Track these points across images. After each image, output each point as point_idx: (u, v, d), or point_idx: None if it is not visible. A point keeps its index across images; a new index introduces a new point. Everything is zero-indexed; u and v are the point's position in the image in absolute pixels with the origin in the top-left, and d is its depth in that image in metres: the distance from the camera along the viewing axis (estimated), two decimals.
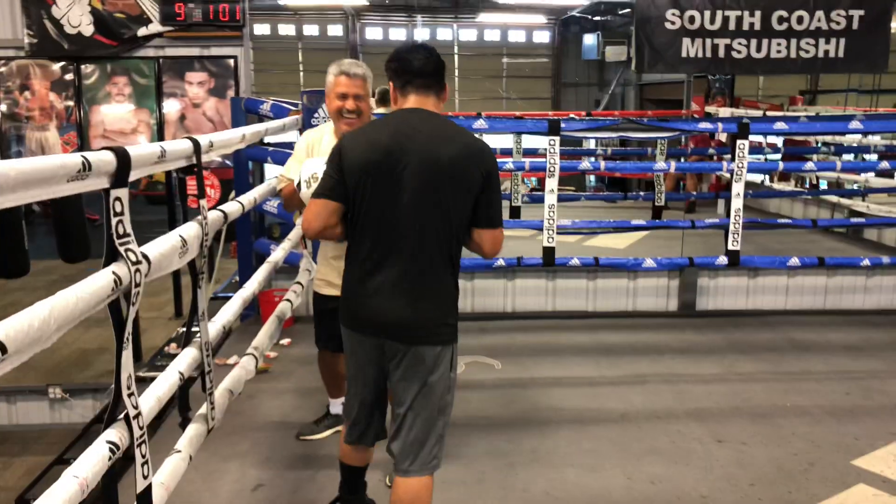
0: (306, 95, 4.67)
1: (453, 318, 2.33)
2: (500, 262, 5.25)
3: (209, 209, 2.58)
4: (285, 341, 4.89)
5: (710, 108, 10.08)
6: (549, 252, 5.15)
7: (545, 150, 5.09)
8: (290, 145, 5.61)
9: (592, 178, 14.77)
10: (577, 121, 5.99)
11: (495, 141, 9.65)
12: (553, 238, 5.13)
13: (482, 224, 2.29)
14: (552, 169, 5.05)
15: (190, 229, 2.23)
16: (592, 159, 6.78)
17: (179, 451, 2.11)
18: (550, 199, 5.11)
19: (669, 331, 5.28)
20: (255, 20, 16.93)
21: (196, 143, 2.37)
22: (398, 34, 18.38)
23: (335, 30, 18.24)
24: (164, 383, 2.08)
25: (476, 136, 2.39)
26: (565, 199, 7.94)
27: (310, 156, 3.12)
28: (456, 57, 18.83)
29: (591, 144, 11.92)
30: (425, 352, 2.27)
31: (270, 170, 5.24)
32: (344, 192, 2.26)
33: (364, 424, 2.50)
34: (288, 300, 3.71)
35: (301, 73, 18.28)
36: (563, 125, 5.10)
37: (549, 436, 3.62)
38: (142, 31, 6.10)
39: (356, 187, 2.24)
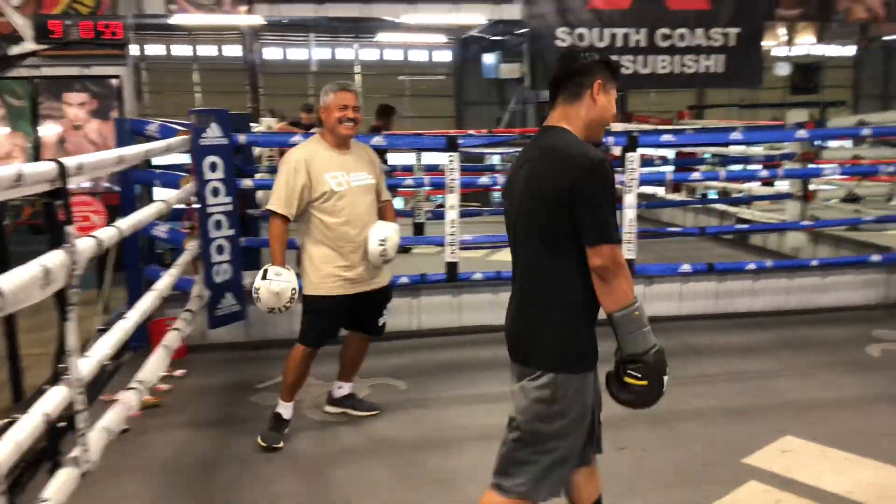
0: (195, 115, 4.50)
1: (553, 343, 2.16)
2: (404, 279, 5.21)
3: (91, 236, 2.43)
4: (179, 372, 4.66)
5: None
6: (452, 267, 5.14)
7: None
8: (181, 167, 5.42)
9: (498, 193, 14.96)
10: (475, 137, 6.04)
11: (396, 159, 9.68)
12: (456, 253, 5.13)
13: (584, 242, 2.08)
14: (452, 185, 5.06)
15: (54, 258, 2.07)
16: (493, 174, 6.84)
17: (46, 501, 1.94)
18: (451, 214, 5.11)
19: None
20: (146, 40, 16.37)
21: (61, 166, 2.21)
22: (298, 54, 18.18)
23: (232, 50, 17.85)
24: (27, 427, 1.91)
25: (579, 150, 2.11)
26: (468, 214, 8.00)
27: (307, 172, 3.52)
28: (357, 76, 18.79)
29: (495, 161, 12.09)
30: (520, 370, 2.24)
31: (159, 193, 5.02)
32: None
33: None
34: (177, 329, 3.53)
35: (198, 95, 17.78)
36: (460, 141, 5.13)
37: (454, 455, 3.58)
38: (14, 50, 5.75)
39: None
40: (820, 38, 12.26)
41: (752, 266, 5.81)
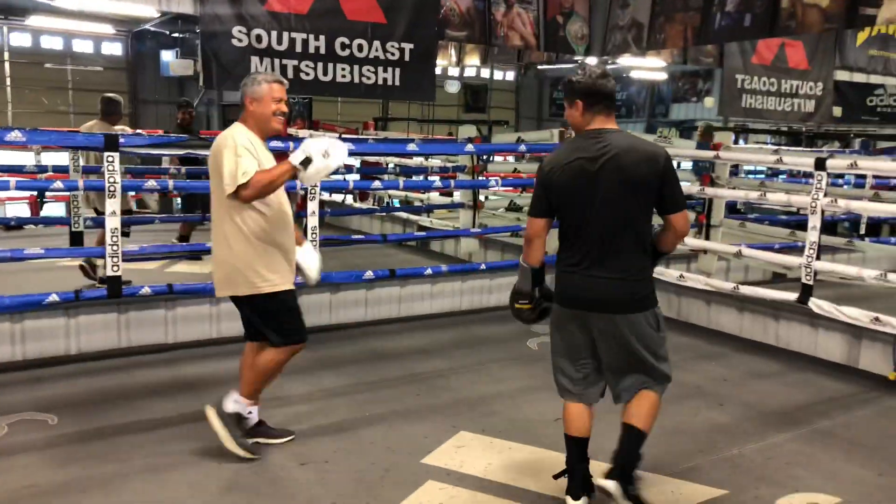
0: None
1: (643, 290, 2.96)
2: (54, 297, 4.52)
3: None
4: None
5: (291, 130, 10.30)
6: (114, 281, 4.59)
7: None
8: None
9: (179, 199, 14.01)
10: (141, 136, 5.48)
11: (53, 158, 8.49)
12: (118, 266, 4.59)
13: (671, 210, 2.93)
14: (112, 189, 4.51)
15: None
16: (161, 178, 6.29)
17: None
18: (112, 222, 4.57)
19: None
20: None
21: None
22: None
23: None
24: None
25: (655, 146, 2.97)
26: (139, 221, 7.27)
27: (257, 158, 3.37)
28: (7, 64, 16.33)
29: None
30: (619, 319, 2.92)
31: None
32: (548, 207, 3.01)
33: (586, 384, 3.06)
34: None
35: None
36: (122, 140, 4.61)
37: (116, 492, 3.15)
38: None
39: (559, 201, 2.98)
40: (484, 61, 13.52)
41: (429, 271, 6.11)
